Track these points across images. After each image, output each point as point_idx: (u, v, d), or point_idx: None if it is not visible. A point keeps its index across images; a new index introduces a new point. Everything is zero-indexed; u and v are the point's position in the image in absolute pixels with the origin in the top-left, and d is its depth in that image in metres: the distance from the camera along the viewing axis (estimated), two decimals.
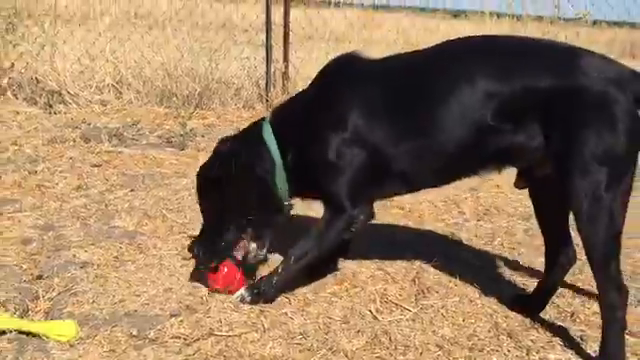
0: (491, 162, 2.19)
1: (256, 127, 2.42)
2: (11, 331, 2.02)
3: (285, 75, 5.88)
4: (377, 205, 3.43)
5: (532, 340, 2.16)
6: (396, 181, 2.26)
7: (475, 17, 8.42)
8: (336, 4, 7.56)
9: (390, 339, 2.11)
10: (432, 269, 2.66)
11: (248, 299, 2.29)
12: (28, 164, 3.85)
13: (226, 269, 2.33)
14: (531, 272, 2.71)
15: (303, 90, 2.53)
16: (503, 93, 2.05)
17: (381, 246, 2.90)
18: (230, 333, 2.09)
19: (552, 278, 2.33)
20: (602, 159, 1.93)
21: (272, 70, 5.84)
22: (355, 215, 2.24)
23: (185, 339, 2.05)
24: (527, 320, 2.29)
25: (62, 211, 3.15)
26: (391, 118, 2.18)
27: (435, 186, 2.41)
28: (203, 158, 2.82)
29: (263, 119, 2.45)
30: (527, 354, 2.08)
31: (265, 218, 2.37)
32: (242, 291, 2.31)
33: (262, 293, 2.29)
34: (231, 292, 2.30)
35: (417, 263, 2.73)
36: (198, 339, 2.05)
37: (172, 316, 2.18)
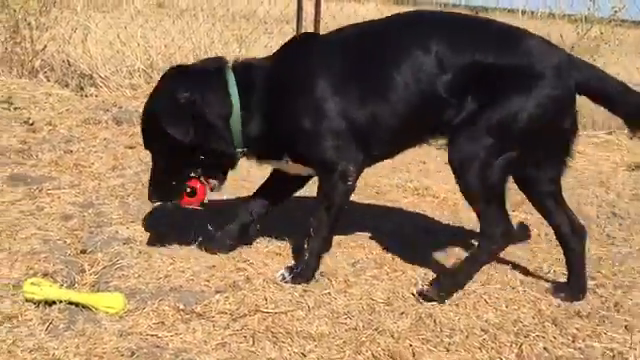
0: (438, 131, 2.32)
1: (217, 67, 2.35)
2: (61, 302, 2.04)
3: None
4: (412, 194, 3.45)
5: (577, 328, 2.15)
6: (360, 144, 2.29)
7: (498, 13, 8.36)
8: None
9: (435, 322, 2.11)
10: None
11: (289, 279, 2.31)
12: (63, 144, 3.88)
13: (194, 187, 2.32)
14: None
15: (264, 58, 2.53)
16: (455, 66, 2.18)
17: (417, 233, 2.90)
18: (276, 310, 2.11)
19: (574, 256, 2.38)
20: (492, 130, 2.12)
21: None
22: (345, 169, 2.27)
23: (231, 314, 2.07)
24: (571, 308, 2.28)
25: (100, 189, 3.18)
26: (352, 83, 2.26)
27: (393, 154, 2.51)
28: None
29: (221, 59, 2.40)
30: (573, 341, 2.07)
31: (216, 161, 2.33)
32: (283, 271, 2.35)
33: (301, 274, 2.33)
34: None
35: (455, 250, 2.73)
36: (244, 315, 2.07)
37: (217, 292, 2.20)
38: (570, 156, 2.32)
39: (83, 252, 2.47)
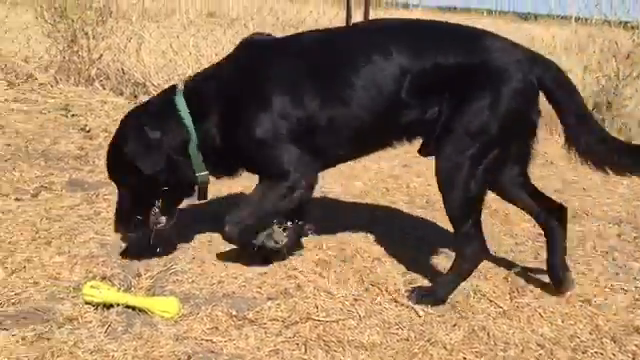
0: (404, 134, 2.35)
1: (167, 98, 2.37)
2: (119, 305, 2.10)
3: None
4: None
5: (636, 345, 2.09)
6: (321, 150, 2.31)
7: (551, 21, 8.19)
8: (414, 5, 7.50)
9: (488, 335, 2.09)
10: (523, 269, 2.60)
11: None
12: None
13: None
14: (627, 277, 2.61)
15: (215, 65, 2.50)
16: (415, 70, 2.19)
17: None
18: (327, 319, 2.11)
19: (555, 242, 2.39)
20: (473, 133, 2.13)
21: None
22: (296, 181, 2.28)
23: (283, 322, 2.09)
24: (630, 324, 2.21)
25: None
26: (311, 90, 2.25)
27: (356, 156, 2.54)
28: None
29: (174, 88, 2.40)
30: (633, 359, 2.01)
31: (176, 192, 2.40)
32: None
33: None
34: None
35: (507, 261, 2.68)
36: (296, 322, 2.08)
37: (269, 299, 2.23)
38: (535, 147, 2.35)
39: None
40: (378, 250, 2.71)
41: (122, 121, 2.42)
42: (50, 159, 3.66)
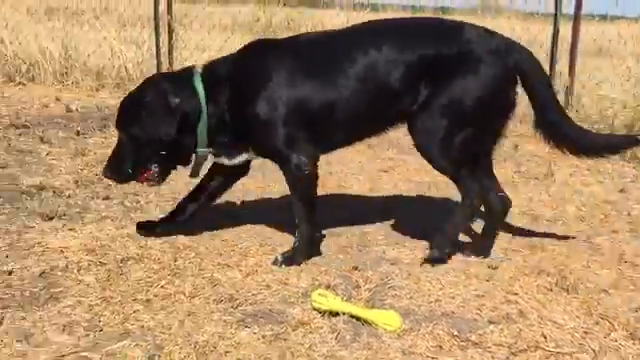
0: (396, 120, 2.61)
1: (187, 74, 2.61)
2: (344, 314, 2.19)
3: None
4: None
5: None
6: (321, 133, 2.57)
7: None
8: None
9: None
10: None
11: (281, 261, 2.57)
12: (325, 165, 4.20)
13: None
14: None
15: (229, 55, 2.75)
16: (403, 61, 2.46)
17: None
18: (557, 350, 2.01)
19: (491, 223, 2.76)
20: (446, 112, 2.44)
21: None
22: (298, 161, 2.53)
23: (509, 348, 2.02)
24: None
25: (361, 209, 3.36)
26: (311, 78, 2.52)
27: (354, 140, 2.76)
28: None
29: (193, 68, 2.65)
30: None
31: (174, 159, 2.62)
32: (277, 256, 2.60)
33: (293, 257, 2.59)
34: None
35: None
36: (524, 350, 2.01)
37: (491, 323, 2.17)
38: (506, 130, 2.63)
39: (355, 269, 2.61)
40: (603, 281, 2.53)
41: (146, 82, 2.65)
42: None
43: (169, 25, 6.45)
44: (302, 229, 2.62)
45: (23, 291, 2.27)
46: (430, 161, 2.58)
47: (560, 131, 2.60)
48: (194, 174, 2.74)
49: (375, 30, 2.65)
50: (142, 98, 2.55)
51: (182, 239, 2.81)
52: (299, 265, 2.57)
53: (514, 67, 2.49)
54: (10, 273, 2.40)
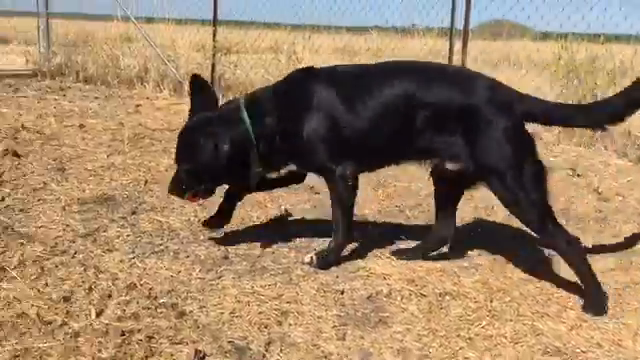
0: (417, 155, 2.81)
1: (235, 109, 2.85)
2: None
3: None
4: None
5: None
6: (353, 155, 2.81)
7: None
8: None
9: None
10: None
11: (316, 264, 2.86)
12: (636, 216, 3.84)
13: None
14: None
15: (269, 87, 3.03)
16: (425, 104, 2.69)
17: None
18: None
19: (431, 243, 3.07)
20: (504, 160, 2.61)
21: None
22: (342, 172, 2.80)
23: None
24: None
25: None
26: (348, 111, 2.75)
27: (382, 166, 2.99)
28: None
29: (238, 100, 2.93)
30: None
31: (232, 182, 2.99)
32: (312, 255, 2.90)
33: (326, 259, 2.89)
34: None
35: None
36: None
37: None
38: None
39: None
40: None
41: (198, 120, 2.87)
42: (570, 219, 3.74)
43: None
44: (339, 235, 2.89)
45: (356, 311, 2.49)
46: (515, 214, 2.73)
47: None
48: (251, 189, 3.06)
49: (400, 71, 2.88)
50: (195, 141, 2.79)
51: (494, 281, 2.80)
52: (330, 267, 2.88)
53: (522, 117, 2.67)
54: (342, 293, 2.64)
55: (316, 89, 2.80)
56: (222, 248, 3.04)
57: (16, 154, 4.57)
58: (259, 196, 3.73)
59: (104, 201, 3.65)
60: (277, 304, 2.47)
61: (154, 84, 8.40)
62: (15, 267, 2.65)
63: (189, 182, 2.85)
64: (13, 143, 4.93)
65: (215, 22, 7.69)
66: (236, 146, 2.75)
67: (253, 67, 7.79)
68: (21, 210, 3.42)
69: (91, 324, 2.22)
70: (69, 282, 2.55)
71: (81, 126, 5.76)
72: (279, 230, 3.34)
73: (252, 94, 3.04)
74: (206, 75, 7.95)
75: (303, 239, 3.21)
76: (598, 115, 2.69)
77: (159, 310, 2.36)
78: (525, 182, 2.56)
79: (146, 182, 4.10)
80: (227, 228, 3.22)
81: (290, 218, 3.63)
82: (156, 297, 2.47)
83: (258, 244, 3.11)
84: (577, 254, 2.58)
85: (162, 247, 3.02)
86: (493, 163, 2.60)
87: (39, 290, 2.46)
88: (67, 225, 3.22)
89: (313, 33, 8.81)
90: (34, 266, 2.68)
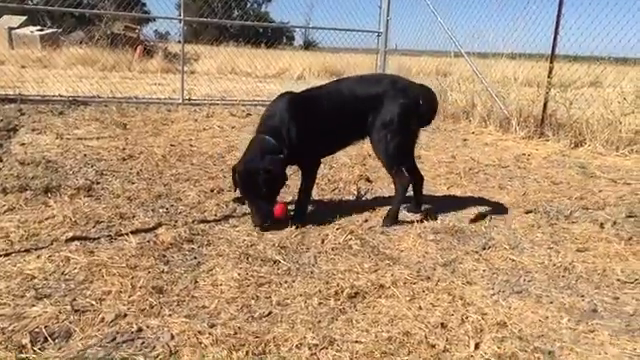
0: (361, 137, 4.03)
1: (264, 143, 3.78)
2: None
3: None
4: None
5: None
6: (321, 149, 4.06)
7: None
8: None
9: None
10: None
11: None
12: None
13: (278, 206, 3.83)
14: None
15: (273, 112, 3.95)
16: (363, 101, 3.91)
17: None
18: None
19: (418, 190, 4.25)
20: (385, 124, 3.83)
21: None
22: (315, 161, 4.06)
23: None
24: None
25: None
26: (318, 117, 3.89)
27: (337, 150, 4.24)
28: None
29: (260, 134, 3.86)
30: None
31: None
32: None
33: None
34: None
35: None
36: None
37: None
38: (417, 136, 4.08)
39: None
40: None
41: (248, 163, 3.76)
42: None
43: None
44: (303, 201, 4.04)
45: None
46: (379, 159, 4.02)
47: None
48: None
49: (354, 81, 4.12)
50: (251, 176, 3.69)
51: None
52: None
53: (419, 98, 3.96)
54: None
55: (302, 108, 3.96)
56: (587, 299, 2.87)
57: (368, 179, 5.05)
58: None
59: (455, 232, 3.78)
60: None
61: (480, 119, 8.50)
62: (389, 287, 2.88)
63: (263, 205, 3.79)
64: (363, 169, 5.46)
65: (552, 57, 7.41)
66: (277, 167, 3.79)
67: (592, 104, 7.30)
68: (382, 233, 3.74)
69: (472, 355, 2.28)
70: (439, 309, 2.68)
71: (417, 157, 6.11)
72: None
73: (265, 121, 3.94)
74: (537, 112, 7.75)
75: None
76: None
77: (535, 354, 2.32)
78: (391, 139, 3.83)
79: (490, 219, 4.13)
80: None
81: None
82: (528, 340, 2.43)
83: None
84: (401, 184, 3.94)
85: (521, 288, 2.97)
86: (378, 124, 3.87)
87: (415, 312, 2.63)
88: (426, 252, 3.41)
89: None
90: (405, 288, 2.88)
